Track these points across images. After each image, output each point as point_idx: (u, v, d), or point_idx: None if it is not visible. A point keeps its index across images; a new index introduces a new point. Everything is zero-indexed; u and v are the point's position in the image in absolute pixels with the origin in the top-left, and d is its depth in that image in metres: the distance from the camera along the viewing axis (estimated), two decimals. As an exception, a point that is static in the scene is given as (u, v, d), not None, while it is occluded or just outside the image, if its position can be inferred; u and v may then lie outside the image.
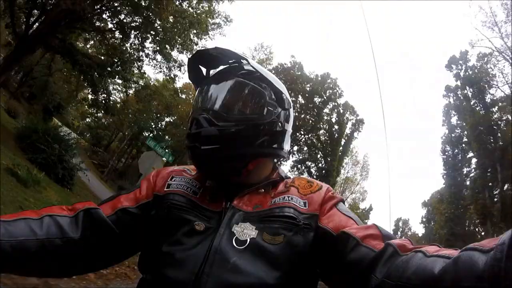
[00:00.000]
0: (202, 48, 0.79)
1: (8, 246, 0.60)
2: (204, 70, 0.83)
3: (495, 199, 21.00)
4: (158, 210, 0.73)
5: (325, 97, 25.65)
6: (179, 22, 12.45)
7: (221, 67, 0.81)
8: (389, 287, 0.49)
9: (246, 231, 0.66)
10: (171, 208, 0.71)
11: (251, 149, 0.73)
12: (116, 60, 12.38)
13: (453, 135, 26.23)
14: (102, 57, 12.95)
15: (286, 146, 0.81)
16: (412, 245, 0.55)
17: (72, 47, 11.50)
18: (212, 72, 0.83)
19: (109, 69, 12.45)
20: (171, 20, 12.31)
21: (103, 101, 13.92)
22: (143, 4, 11.45)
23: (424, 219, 39.88)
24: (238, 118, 0.72)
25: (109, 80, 12.88)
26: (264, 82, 0.76)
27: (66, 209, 0.72)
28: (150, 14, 11.57)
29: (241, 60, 0.78)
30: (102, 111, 15.94)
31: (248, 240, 0.65)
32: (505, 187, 20.35)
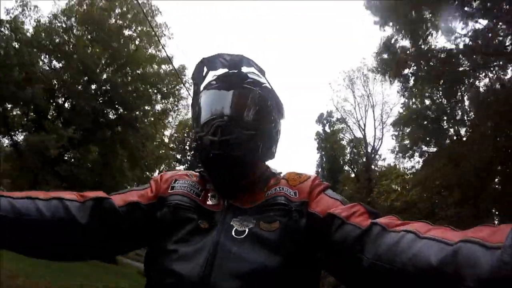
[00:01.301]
0: (229, 53, 0.84)
1: (12, 221, 0.61)
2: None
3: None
4: (163, 211, 0.75)
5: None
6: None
7: (221, 71, 0.85)
8: (382, 270, 0.50)
9: (245, 223, 0.69)
10: (176, 208, 0.75)
11: (261, 154, 0.79)
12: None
13: (324, 159, 34.65)
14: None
15: None
16: (399, 220, 0.55)
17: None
18: (211, 73, 0.87)
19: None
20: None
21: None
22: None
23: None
24: (258, 127, 0.78)
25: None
26: (272, 94, 0.85)
27: (76, 195, 0.73)
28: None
29: (242, 68, 0.83)
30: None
31: (247, 230, 0.68)
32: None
